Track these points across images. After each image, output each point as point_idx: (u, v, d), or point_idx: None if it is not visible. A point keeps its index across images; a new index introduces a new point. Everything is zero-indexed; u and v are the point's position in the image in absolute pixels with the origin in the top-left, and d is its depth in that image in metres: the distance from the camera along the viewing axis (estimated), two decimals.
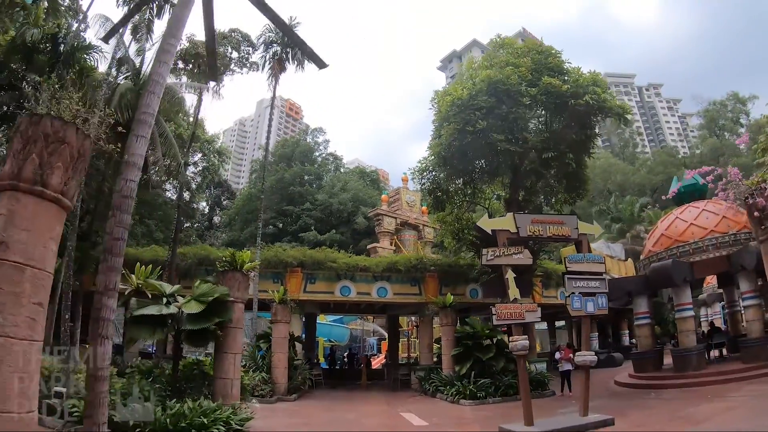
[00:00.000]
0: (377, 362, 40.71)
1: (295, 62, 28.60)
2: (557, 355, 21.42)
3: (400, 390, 25.38)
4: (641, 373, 22.74)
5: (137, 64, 22.58)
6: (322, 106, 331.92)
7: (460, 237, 25.01)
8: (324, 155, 73.96)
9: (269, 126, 29.37)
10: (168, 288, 13.66)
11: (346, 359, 38.77)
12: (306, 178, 64.72)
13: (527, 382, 13.44)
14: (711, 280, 33.54)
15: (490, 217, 22.82)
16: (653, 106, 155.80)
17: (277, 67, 28.50)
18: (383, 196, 47.00)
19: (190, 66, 27.59)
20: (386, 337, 40.68)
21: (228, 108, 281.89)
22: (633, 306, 25.47)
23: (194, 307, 12.88)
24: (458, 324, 23.53)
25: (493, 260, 13.88)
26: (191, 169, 44.30)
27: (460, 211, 25.55)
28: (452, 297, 23.02)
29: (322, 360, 37.37)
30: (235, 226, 59.79)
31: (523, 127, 21.40)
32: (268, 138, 30.87)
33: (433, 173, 23.85)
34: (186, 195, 45.21)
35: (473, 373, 20.16)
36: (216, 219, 61.74)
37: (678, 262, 21.56)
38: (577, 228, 14.93)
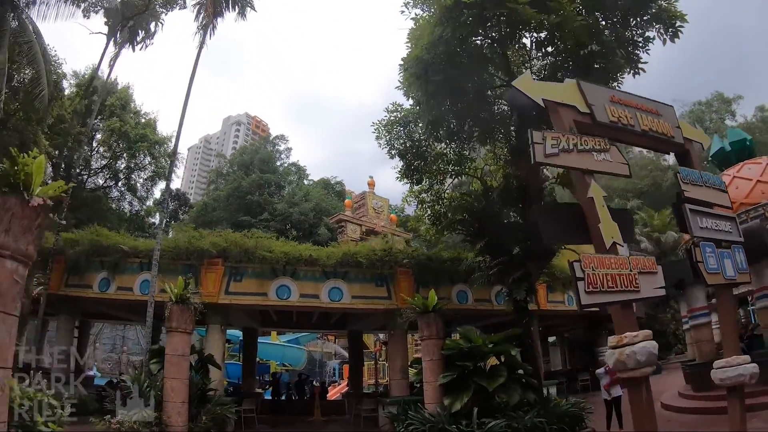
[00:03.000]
0: (337, 391, 32.70)
1: (236, 7, 21.11)
2: (603, 378, 13.63)
3: (365, 430, 17.76)
4: (704, 391, 15.36)
5: None
6: (289, 127, 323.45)
7: (441, 221, 17.80)
8: (286, 165, 66.61)
9: (189, 88, 21.24)
10: None
11: (293, 388, 30.22)
12: (266, 187, 57.56)
13: None
14: None
15: (486, 190, 15.98)
16: None
17: (210, 7, 20.70)
18: (347, 200, 39.92)
19: None
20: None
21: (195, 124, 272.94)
22: (684, 300, 18.99)
23: None
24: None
25: (557, 157, 6.88)
26: (140, 174, 38.56)
27: (442, 187, 18.68)
28: (436, 298, 15.08)
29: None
30: None
31: None
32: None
33: (408, 125, 16.72)
34: (135, 204, 39.79)
35: (475, 410, 12.52)
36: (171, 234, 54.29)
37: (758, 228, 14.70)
38: (679, 127, 8.20)
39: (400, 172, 17.39)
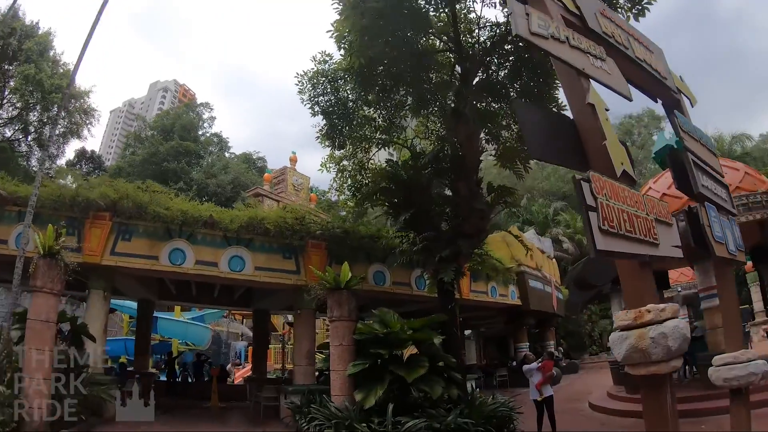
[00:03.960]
0: (242, 374, 30.13)
1: None
2: (532, 374, 11.73)
3: (265, 421, 15.41)
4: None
5: None
6: (217, 101, 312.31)
7: (363, 192, 15.63)
8: (208, 134, 63.13)
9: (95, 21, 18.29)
10: None
11: (189, 370, 27.32)
12: (184, 155, 54.10)
13: None
14: (679, 276, 26.70)
15: (415, 158, 14.15)
16: None
17: None
18: (266, 174, 37.58)
19: None
20: None
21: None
22: (619, 298, 17.92)
23: None
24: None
25: (546, 42, 4.81)
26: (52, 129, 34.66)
27: (367, 156, 16.75)
28: (350, 273, 13.05)
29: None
30: None
31: None
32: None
33: (337, 81, 14.57)
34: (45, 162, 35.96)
35: (390, 406, 10.53)
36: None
37: None
38: (668, 69, 6.55)
39: (320, 132, 15.28)
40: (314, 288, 13.08)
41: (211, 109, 65.85)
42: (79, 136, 38.81)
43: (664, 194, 15.46)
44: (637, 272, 5.18)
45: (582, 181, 4.42)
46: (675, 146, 17.71)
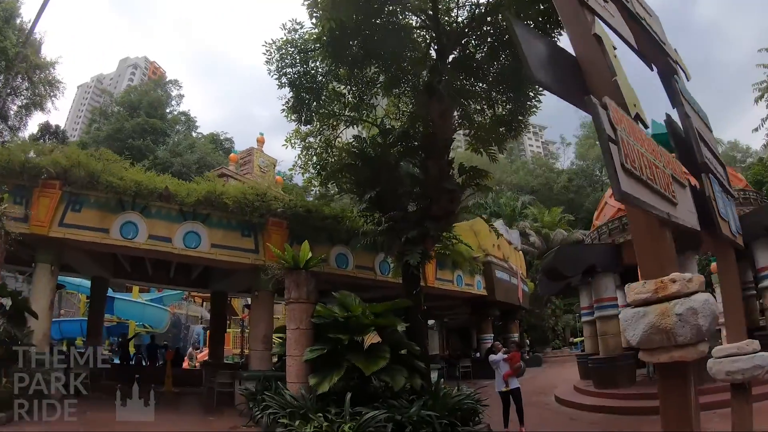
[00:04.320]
0: (200, 358, 28.92)
1: None
2: (502, 367, 11.29)
3: (219, 408, 14.62)
4: (610, 388, 14.07)
5: None
6: (188, 82, 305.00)
7: (329, 170, 14.67)
8: (176, 112, 61.48)
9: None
10: None
11: (143, 352, 25.93)
12: (150, 132, 52.59)
13: None
14: None
15: (383, 134, 13.50)
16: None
17: None
18: (232, 155, 36.46)
19: None
20: None
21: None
22: (586, 291, 17.57)
23: None
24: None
25: None
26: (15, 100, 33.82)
27: (334, 133, 15.99)
28: (309, 252, 12.32)
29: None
30: None
31: None
32: None
33: (307, 53, 13.57)
34: (6, 135, 34.31)
35: (348, 395, 9.76)
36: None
37: None
38: (665, 37, 5.98)
39: (286, 105, 14.46)
40: (272, 267, 12.35)
41: (180, 86, 64.34)
42: (42, 109, 37.20)
43: None
44: (657, 232, 4.16)
45: (599, 106, 3.51)
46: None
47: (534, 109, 13.72)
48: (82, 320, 26.57)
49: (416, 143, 12.57)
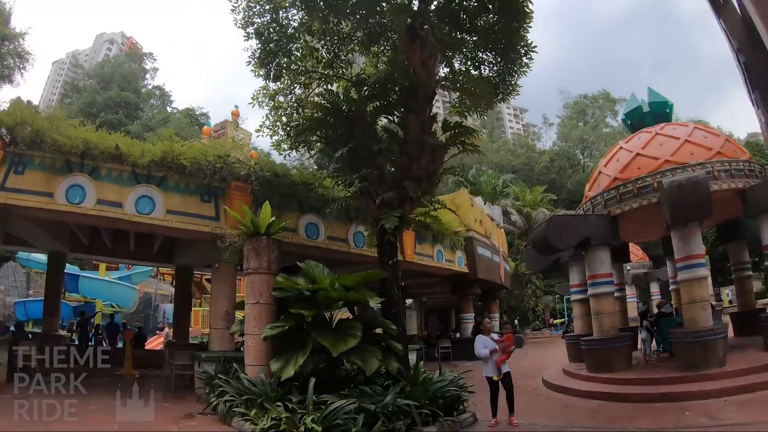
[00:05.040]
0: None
1: None
2: (483, 347, 9.37)
3: (177, 393, 13.17)
4: (604, 372, 12.75)
5: None
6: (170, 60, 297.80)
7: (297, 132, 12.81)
8: (150, 87, 59.33)
9: None
10: None
11: (103, 333, 24.12)
12: (122, 106, 50.58)
13: None
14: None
15: (358, 86, 12.03)
16: (501, 111, 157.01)
17: None
18: (205, 127, 34.75)
19: None
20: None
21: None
22: (577, 267, 16.31)
23: None
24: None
25: None
26: None
27: (307, 92, 14.45)
28: (271, 215, 10.90)
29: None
30: None
31: None
32: None
33: (278, 12, 12.03)
34: None
35: (312, 381, 8.38)
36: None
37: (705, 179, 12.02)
38: None
39: (253, 56, 12.90)
40: (230, 234, 10.91)
41: (155, 59, 62.12)
42: (11, 81, 35.36)
43: (638, 154, 13.90)
44: None
45: None
46: (650, 108, 16.37)
47: (525, 69, 12.29)
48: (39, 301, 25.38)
49: (395, 96, 11.09)
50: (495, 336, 9.69)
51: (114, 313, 27.15)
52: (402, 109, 10.91)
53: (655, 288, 31.70)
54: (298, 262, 10.41)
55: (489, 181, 46.19)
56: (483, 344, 9.34)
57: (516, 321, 37.97)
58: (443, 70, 11.75)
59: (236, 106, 35.98)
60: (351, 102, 11.09)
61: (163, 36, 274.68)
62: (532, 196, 42.84)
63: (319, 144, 12.68)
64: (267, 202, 11.04)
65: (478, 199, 27.61)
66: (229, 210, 11.13)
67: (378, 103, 11.10)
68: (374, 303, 9.96)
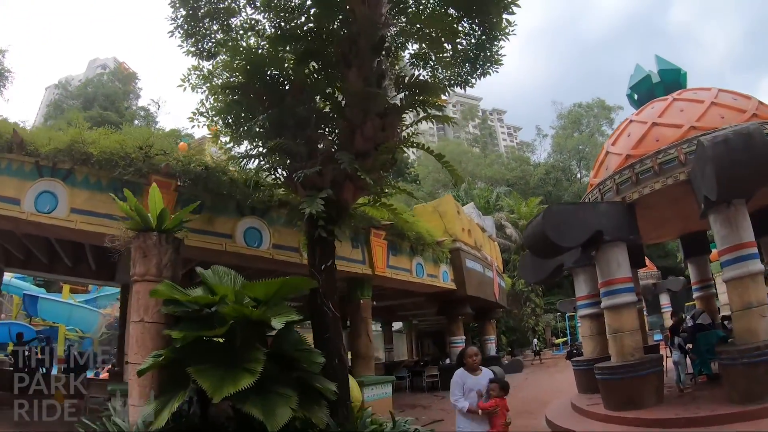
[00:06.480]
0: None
1: None
2: (459, 392, 6.10)
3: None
4: (629, 409, 9.60)
5: None
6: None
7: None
8: (135, 107, 57.51)
9: None
10: None
11: (40, 355, 22.08)
12: (103, 126, 48.62)
13: None
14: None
15: (284, 40, 9.54)
16: (494, 130, 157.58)
17: None
18: (181, 144, 32.58)
19: None
20: None
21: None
22: (583, 274, 13.67)
23: None
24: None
25: None
26: None
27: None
28: (161, 201, 8.08)
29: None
30: None
31: None
32: None
33: None
34: None
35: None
36: None
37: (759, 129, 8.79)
38: None
39: (177, 26, 10.52)
40: (122, 231, 8.40)
41: (138, 79, 60.23)
42: None
43: (654, 124, 11.14)
44: None
45: None
46: (660, 78, 14.14)
47: (507, 31, 9.84)
48: (11, 323, 24.04)
49: (331, 48, 8.60)
50: (484, 374, 6.40)
51: (43, 337, 24.52)
52: (340, 62, 8.35)
53: (665, 300, 29.41)
54: (196, 268, 7.90)
55: (482, 195, 44.09)
56: (461, 386, 6.18)
57: (507, 348, 35.59)
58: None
59: (214, 122, 33.92)
60: (278, 62, 8.60)
61: (161, 58, 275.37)
62: (527, 208, 40.46)
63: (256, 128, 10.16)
64: (155, 184, 8.61)
65: (468, 207, 25.12)
66: (115, 198, 8.63)
67: (315, 65, 8.67)
68: (294, 317, 7.03)
